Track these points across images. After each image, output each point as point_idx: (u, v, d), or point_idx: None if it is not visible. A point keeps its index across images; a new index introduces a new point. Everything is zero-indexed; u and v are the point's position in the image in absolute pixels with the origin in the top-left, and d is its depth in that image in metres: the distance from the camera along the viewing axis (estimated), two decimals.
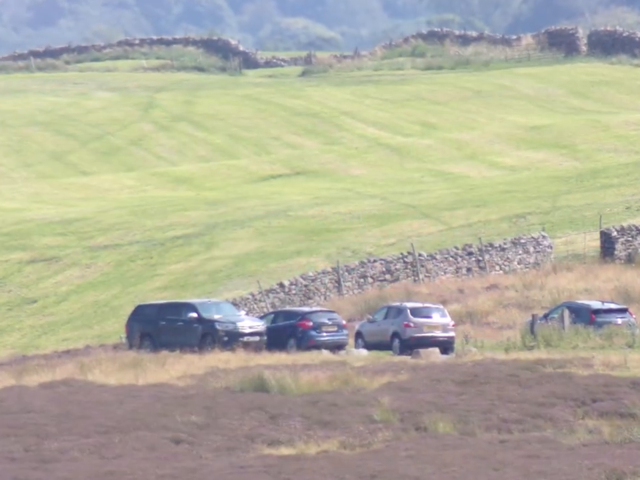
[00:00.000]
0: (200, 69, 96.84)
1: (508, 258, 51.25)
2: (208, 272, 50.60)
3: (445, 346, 29.63)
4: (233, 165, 71.56)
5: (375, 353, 28.03)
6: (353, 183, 65.41)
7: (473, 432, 14.85)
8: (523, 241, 51.83)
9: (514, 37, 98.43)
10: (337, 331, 30.69)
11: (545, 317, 33.17)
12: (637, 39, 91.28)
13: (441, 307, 33.67)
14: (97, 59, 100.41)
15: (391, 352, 29.20)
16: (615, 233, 48.72)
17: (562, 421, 15.90)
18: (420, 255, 50.01)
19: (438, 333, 30.36)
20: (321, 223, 55.41)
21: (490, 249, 50.37)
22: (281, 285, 44.91)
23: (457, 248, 50.40)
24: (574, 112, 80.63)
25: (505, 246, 51.41)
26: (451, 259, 49.63)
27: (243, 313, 32.98)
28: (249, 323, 30.16)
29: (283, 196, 62.85)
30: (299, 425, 14.55)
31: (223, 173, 70.05)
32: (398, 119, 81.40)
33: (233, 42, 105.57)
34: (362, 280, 47.90)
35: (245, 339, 28.40)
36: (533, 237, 52.73)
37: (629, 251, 47.65)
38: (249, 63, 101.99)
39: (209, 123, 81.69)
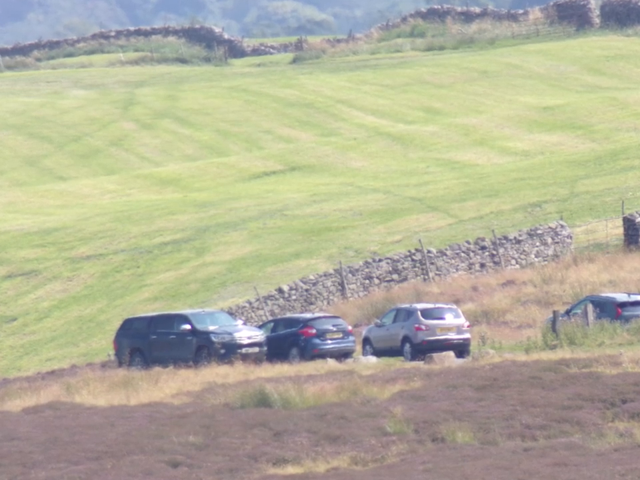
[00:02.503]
0: (182, 61, 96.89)
1: (524, 251, 51.30)
2: (200, 280, 50.63)
3: (460, 349, 29.66)
4: (222, 163, 71.63)
5: (385, 360, 28.04)
6: (353, 177, 65.50)
7: (495, 440, 14.86)
8: (539, 231, 51.87)
9: (520, 11, 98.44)
10: (342, 338, 30.72)
11: (567, 313, 33.19)
12: None
13: (454, 307, 33.70)
14: (70, 55, 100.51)
15: (401, 358, 29.21)
16: (639, 219, 48.73)
17: (590, 424, 15.91)
18: (429, 251, 50.13)
19: (452, 335, 30.38)
20: (321, 221, 55.50)
21: (504, 241, 50.41)
22: (280, 291, 44.97)
23: (468, 242, 50.53)
24: (589, 90, 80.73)
25: (521, 238, 51.48)
26: (462, 254, 49.68)
27: (240, 322, 33.00)
28: (247, 333, 30.20)
29: (278, 194, 62.96)
30: (306, 441, 14.57)
31: (212, 172, 70.12)
32: (399, 106, 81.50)
33: (217, 30, 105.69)
34: (367, 281, 47.99)
35: (244, 350, 28.42)
36: (550, 227, 52.82)
37: None
38: (235, 51, 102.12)
39: (195, 118, 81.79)
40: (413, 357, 28.66)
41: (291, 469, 13.58)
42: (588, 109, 72.93)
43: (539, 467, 13.08)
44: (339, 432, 15.06)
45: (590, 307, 32.39)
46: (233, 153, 74.56)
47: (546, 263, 50.55)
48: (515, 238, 52.03)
